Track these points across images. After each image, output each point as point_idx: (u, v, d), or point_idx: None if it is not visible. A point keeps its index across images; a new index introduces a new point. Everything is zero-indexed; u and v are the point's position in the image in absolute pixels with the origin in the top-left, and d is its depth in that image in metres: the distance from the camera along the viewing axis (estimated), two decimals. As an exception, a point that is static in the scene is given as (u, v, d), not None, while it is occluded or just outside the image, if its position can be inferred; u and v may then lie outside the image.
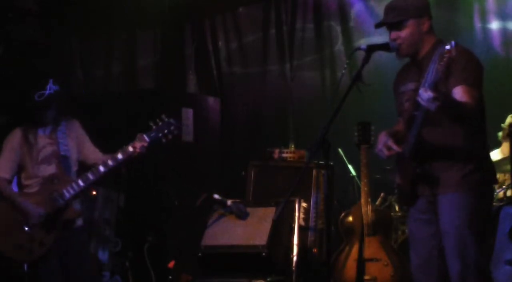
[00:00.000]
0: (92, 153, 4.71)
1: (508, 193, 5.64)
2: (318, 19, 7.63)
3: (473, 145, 3.62)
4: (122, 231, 6.40)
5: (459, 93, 3.47)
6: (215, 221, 5.28)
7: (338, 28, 7.56)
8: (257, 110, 7.84)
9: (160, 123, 4.60)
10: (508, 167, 5.45)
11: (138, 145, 4.54)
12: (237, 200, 5.37)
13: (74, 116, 4.85)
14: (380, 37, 6.89)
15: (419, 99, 3.29)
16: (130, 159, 4.58)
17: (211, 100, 7.71)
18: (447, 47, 3.26)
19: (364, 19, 7.43)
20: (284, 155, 5.91)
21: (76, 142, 4.70)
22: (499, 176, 5.85)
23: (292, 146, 6.34)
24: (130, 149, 4.53)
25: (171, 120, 4.62)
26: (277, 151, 5.92)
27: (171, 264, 6.33)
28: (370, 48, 3.62)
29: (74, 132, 4.71)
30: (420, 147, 3.55)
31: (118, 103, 7.12)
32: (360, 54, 3.66)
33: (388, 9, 3.72)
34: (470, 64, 3.57)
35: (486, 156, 3.77)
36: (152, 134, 4.57)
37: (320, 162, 5.48)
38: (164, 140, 4.60)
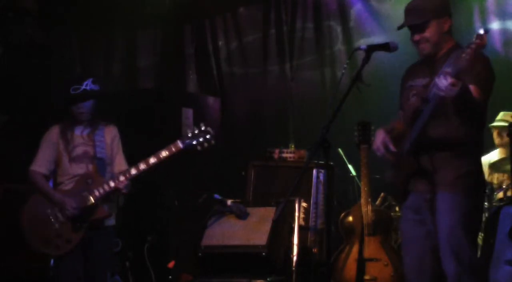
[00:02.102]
0: (118, 165, 4.77)
1: (508, 193, 5.64)
2: (318, 19, 7.63)
3: (474, 144, 3.65)
4: (122, 231, 6.40)
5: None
6: (215, 221, 5.28)
7: (338, 28, 7.56)
8: (257, 110, 7.84)
9: (196, 131, 4.64)
10: (508, 167, 5.46)
11: (171, 150, 4.59)
12: (237, 200, 5.38)
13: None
14: (380, 37, 6.94)
15: (435, 89, 3.30)
16: (161, 163, 4.64)
17: (211, 100, 7.71)
18: (479, 32, 3.26)
19: (364, 19, 7.43)
20: (284, 155, 5.91)
21: (110, 147, 4.77)
22: (499, 176, 5.85)
23: (292, 146, 6.34)
24: (164, 153, 4.59)
25: (209, 129, 4.66)
26: (277, 151, 5.92)
27: (171, 264, 6.33)
28: (370, 48, 3.63)
29: (110, 138, 4.78)
30: (422, 141, 3.55)
31: (118, 103, 7.11)
32: (360, 54, 3.67)
33: (410, 11, 3.74)
34: (486, 72, 3.61)
35: (479, 160, 3.79)
36: (187, 141, 4.61)
37: (320, 162, 5.48)
38: (199, 148, 4.64)
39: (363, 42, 7.14)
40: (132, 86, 8.19)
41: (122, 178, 4.59)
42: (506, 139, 5.52)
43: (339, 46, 7.55)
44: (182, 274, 6.08)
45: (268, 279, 4.87)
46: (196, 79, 8.18)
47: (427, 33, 3.66)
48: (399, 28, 3.78)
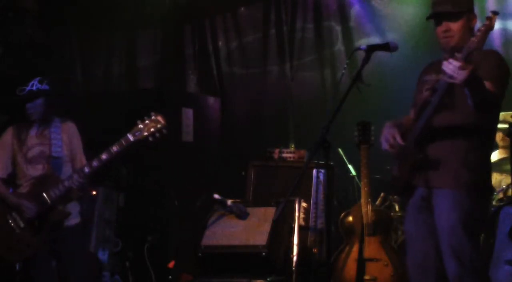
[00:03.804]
0: (79, 163, 4.67)
1: (508, 193, 5.63)
2: (318, 19, 7.62)
3: (480, 139, 3.61)
4: (122, 231, 6.41)
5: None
6: (215, 221, 5.28)
7: (338, 28, 7.56)
8: (257, 110, 7.84)
9: (146, 121, 4.45)
10: (508, 167, 5.45)
11: (122, 145, 4.44)
12: (237, 200, 5.37)
13: (74, 116, 4.86)
14: (380, 37, 6.93)
15: (444, 71, 3.26)
16: (114, 158, 4.49)
17: (211, 100, 7.72)
18: (489, 14, 3.25)
19: (364, 19, 7.42)
20: (284, 155, 5.92)
21: (68, 144, 4.68)
22: (498, 176, 5.85)
23: (292, 146, 6.34)
24: (115, 148, 4.44)
25: (159, 118, 4.45)
26: (277, 151, 5.92)
27: (171, 264, 6.33)
28: (370, 48, 3.62)
29: (67, 135, 4.69)
30: (428, 131, 3.54)
31: (118, 103, 7.12)
32: (360, 54, 3.66)
33: (443, 0, 3.69)
34: (498, 66, 3.58)
35: (489, 155, 3.75)
36: (136, 133, 4.42)
37: (320, 162, 5.48)
38: (151, 139, 4.43)
39: (363, 42, 7.13)
40: (132, 86, 8.19)
41: (75, 177, 4.47)
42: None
43: (339, 46, 7.55)
44: (182, 274, 6.08)
45: (268, 279, 4.87)
46: (196, 79, 8.18)
47: (458, 25, 3.62)
48: (429, 18, 3.72)
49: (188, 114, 7.14)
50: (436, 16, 3.69)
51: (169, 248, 6.68)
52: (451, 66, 3.22)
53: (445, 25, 3.65)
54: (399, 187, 3.78)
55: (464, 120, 3.56)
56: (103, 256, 6.16)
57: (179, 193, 6.76)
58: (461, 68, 3.21)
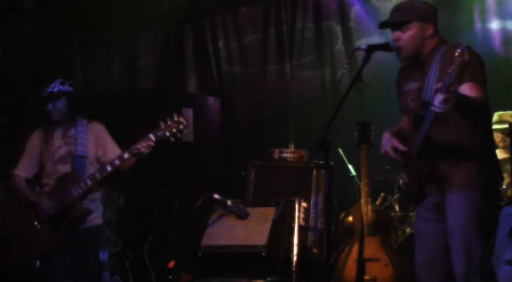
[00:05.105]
0: (113, 154, 4.74)
1: (508, 193, 5.63)
2: (318, 19, 7.63)
3: (480, 142, 3.63)
4: (122, 231, 6.41)
5: (466, 89, 3.46)
6: (215, 221, 5.28)
7: (338, 28, 7.57)
8: (257, 110, 7.84)
9: (169, 121, 4.58)
10: (508, 167, 5.45)
11: (144, 144, 4.56)
12: (237, 200, 5.37)
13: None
14: (380, 37, 6.94)
15: (432, 108, 3.29)
16: (137, 157, 4.64)
17: (211, 100, 7.71)
18: (459, 50, 3.25)
19: (364, 19, 7.43)
20: (284, 155, 5.91)
21: (96, 143, 4.76)
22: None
23: (292, 146, 6.34)
24: (137, 147, 4.57)
25: (181, 119, 4.60)
26: (277, 151, 5.92)
27: (171, 264, 6.33)
28: (370, 48, 3.63)
29: (94, 134, 4.78)
30: (428, 146, 3.55)
31: (118, 103, 7.12)
32: (360, 54, 3.67)
33: (394, 10, 3.75)
34: (477, 63, 3.58)
35: (493, 153, 3.77)
36: (159, 133, 4.56)
37: (320, 162, 5.48)
38: (172, 139, 4.58)
39: (363, 42, 7.14)
40: (132, 86, 8.19)
41: (97, 175, 4.59)
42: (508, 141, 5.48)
43: (339, 46, 7.56)
44: (182, 274, 6.08)
45: (268, 279, 4.87)
46: (196, 79, 8.19)
47: (406, 35, 3.65)
48: (380, 26, 3.78)
49: (188, 114, 7.14)
50: (386, 26, 3.76)
51: (169, 248, 6.67)
52: (437, 99, 3.24)
53: (395, 34, 3.69)
54: (412, 195, 3.79)
55: (460, 128, 3.57)
56: (103, 256, 6.16)
57: (179, 193, 6.76)
58: (445, 100, 3.22)
